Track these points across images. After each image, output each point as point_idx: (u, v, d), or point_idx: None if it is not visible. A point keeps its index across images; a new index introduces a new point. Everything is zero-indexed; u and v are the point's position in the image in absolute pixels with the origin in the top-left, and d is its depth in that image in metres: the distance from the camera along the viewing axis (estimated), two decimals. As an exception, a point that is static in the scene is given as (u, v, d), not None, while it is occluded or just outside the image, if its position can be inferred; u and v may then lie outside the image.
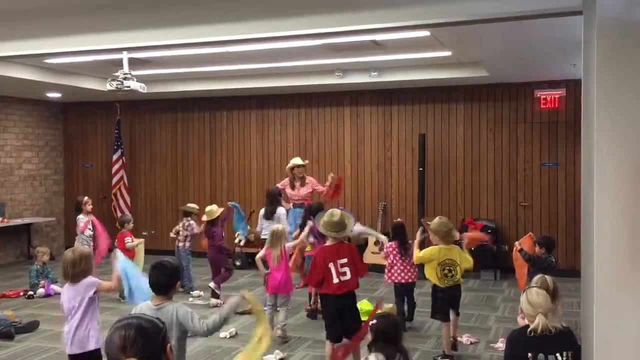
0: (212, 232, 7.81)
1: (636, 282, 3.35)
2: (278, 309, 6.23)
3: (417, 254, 5.70)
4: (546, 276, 3.72)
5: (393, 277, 6.38)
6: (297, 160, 8.61)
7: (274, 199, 7.90)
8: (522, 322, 3.55)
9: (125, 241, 7.94)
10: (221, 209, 7.99)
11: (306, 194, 8.51)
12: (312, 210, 6.83)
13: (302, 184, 8.50)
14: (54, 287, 8.06)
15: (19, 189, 10.89)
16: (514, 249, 5.99)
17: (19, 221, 10.54)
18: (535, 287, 3.46)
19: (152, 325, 1.98)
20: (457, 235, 5.64)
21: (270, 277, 6.27)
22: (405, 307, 6.51)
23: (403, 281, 6.35)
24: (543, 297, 3.24)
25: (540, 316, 3.15)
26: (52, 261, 9.24)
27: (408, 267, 6.34)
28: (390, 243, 6.44)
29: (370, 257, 8.95)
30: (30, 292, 8.05)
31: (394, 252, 6.37)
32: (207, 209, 7.97)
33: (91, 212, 8.29)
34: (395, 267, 6.37)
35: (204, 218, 7.93)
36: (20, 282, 8.89)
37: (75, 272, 4.26)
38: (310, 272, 5.26)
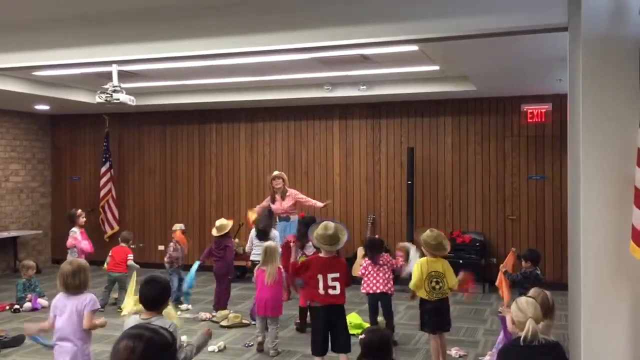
0: (225, 245, 7.62)
1: (623, 294, 3.39)
2: (268, 326, 6.19)
3: (411, 284, 5.61)
4: (546, 292, 3.75)
5: (367, 288, 6.38)
6: (273, 173, 8.76)
7: (266, 219, 7.76)
8: (506, 310, 3.58)
9: (128, 258, 8.03)
10: (231, 222, 7.77)
11: (289, 206, 8.48)
12: (305, 222, 6.84)
13: (283, 197, 8.50)
14: (41, 301, 7.98)
15: (5, 201, 10.81)
16: (500, 272, 6.01)
17: (5, 234, 10.44)
18: (525, 296, 3.49)
19: (162, 341, 1.88)
20: (448, 248, 5.61)
21: (259, 296, 6.21)
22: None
23: (376, 291, 6.34)
24: (532, 304, 3.27)
25: (531, 321, 3.17)
26: (39, 275, 9.16)
27: (380, 277, 6.33)
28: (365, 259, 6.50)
29: (358, 269, 8.92)
30: (17, 306, 7.96)
31: (369, 266, 6.39)
32: (218, 223, 7.68)
33: (83, 225, 8.36)
34: (366, 277, 6.39)
35: (214, 233, 7.67)
36: (5, 295, 8.79)
37: (76, 283, 4.20)
38: (298, 266, 5.33)
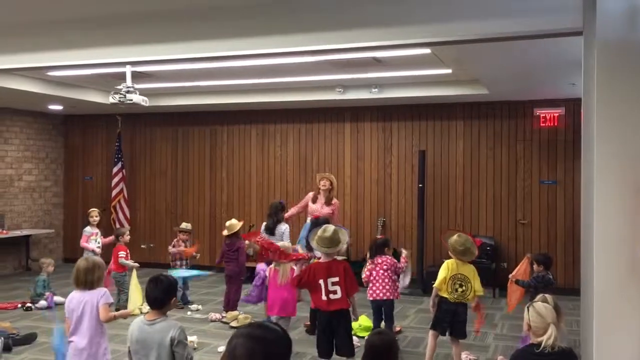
0: (237, 246, 7.58)
1: (636, 300, 3.36)
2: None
3: (436, 283, 5.57)
4: (547, 295, 3.72)
5: (372, 294, 6.29)
6: (321, 173, 8.65)
7: (274, 214, 7.73)
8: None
9: (119, 255, 7.85)
10: (241, 222, 7.75)
11: (326, 213, 7.89)
12: (319, 224, 6.81)
13: (328, 203, 8.08)
14: (55, 299, 7.99)
15: (18, 200, 10.89)
16: (509, 282, 5.98)
17: (17, 233, 10.52)
18: (538, 301, 3.45)
19: (284, 342, 1.76)
20: (475, 253, 5.58)
21: (272, 294, 6.19)
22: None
23: (378, 298, 6.23)
24: (550, 310, 3.23)
25: (552, 326, 3.12)
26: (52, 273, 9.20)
27: (382, 283, 6.23)
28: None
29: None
30: (29, 304, 8.00)
31: (372, 271, 6.30)
32: (228, 223, 7.68)
33: (95, 224, 8.42)
34: (371, 283, 6.28)
35: (225, 232, 7.67)
36: (18, 294, 8.85)
37: (90, 279, 4.23)
38: (300, 275, 5.31)
